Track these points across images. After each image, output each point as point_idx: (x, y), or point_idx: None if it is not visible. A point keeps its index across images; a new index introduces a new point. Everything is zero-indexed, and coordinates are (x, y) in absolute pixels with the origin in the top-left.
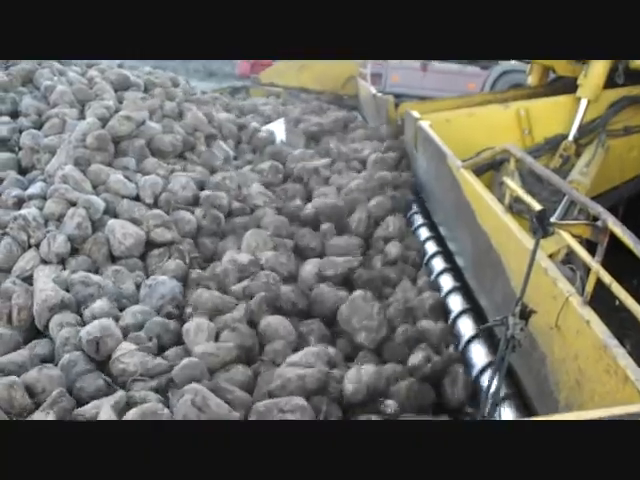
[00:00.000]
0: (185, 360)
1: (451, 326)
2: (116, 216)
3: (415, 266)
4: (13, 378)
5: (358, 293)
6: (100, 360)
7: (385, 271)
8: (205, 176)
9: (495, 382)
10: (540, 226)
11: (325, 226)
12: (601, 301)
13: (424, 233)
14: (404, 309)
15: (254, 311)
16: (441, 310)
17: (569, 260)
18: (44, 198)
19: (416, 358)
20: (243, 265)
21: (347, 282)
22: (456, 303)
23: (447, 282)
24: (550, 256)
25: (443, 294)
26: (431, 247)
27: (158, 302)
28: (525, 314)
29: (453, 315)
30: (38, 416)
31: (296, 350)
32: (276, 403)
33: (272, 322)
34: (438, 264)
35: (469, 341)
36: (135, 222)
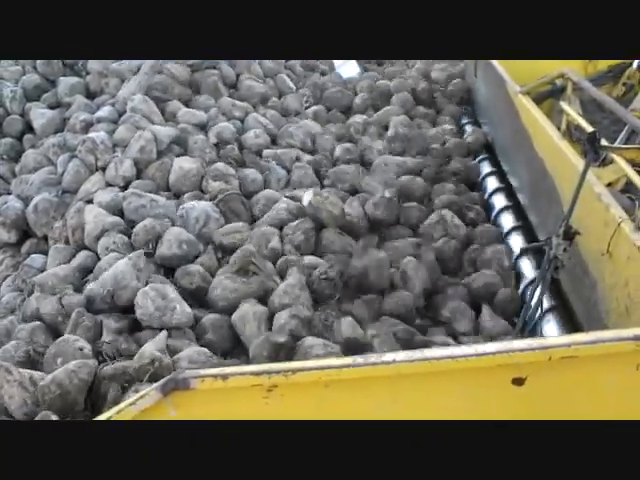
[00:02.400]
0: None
1: None
2: (186, 150)
3: None
4: None
5: None
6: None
7: None
8: (277, 122)
9: (535, 299)
10: (591, 148)
11: None
12: None
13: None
14: None
15: None
16: None
17: (628, 190)
18: (113, 122)
19: None
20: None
21: None
22: (508, 221)
23: (500, 201)
24: (609, 185)
25: (495, 212)
26: (486, 168)
27: (195, 225)
28: (569, 235)
29: (504, 232)
30: (69, 338)
31: None
32: None
33: None
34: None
35: (518, 257)
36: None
